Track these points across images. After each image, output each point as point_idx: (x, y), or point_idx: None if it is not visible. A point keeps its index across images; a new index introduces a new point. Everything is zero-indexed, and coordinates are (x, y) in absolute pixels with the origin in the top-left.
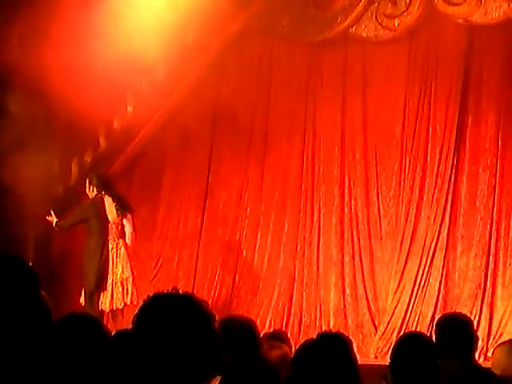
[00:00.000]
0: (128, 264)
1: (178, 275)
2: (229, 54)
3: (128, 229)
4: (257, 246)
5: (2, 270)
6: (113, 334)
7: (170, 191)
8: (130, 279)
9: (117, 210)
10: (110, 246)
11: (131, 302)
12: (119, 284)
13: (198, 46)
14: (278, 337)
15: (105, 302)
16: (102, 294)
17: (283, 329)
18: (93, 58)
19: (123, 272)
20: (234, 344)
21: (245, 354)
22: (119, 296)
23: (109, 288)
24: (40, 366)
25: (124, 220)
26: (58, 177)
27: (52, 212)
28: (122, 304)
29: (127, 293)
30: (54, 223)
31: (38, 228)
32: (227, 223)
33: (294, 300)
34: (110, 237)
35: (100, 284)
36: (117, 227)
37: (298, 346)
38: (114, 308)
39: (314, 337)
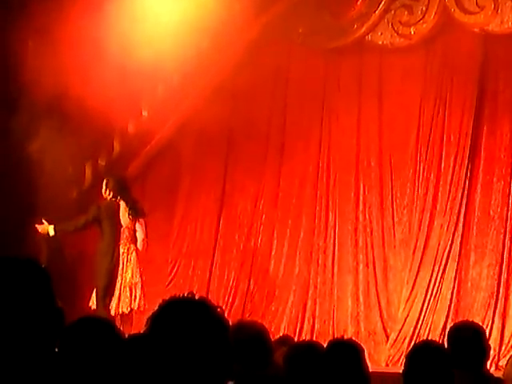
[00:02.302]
0: (138, 269)
1: (194, 281)
2: (245, 61)
3: (140, 234)
4: (272, 253)
5: (15, 272)
6: (127, 337)
7: (186, 197)
8: (139, 285)
9: (129, 214)
10: (122, 251)
11: (138, 307)
12: (128, 288)
13: (213, 52)
14: (286, 342)
15: (111, 306)
16: (110, 297)
17: (296, 335)
18: (108, 63)
19: (132, 277)
20: (245, 349)
21: (256, 360)
22: (126, 300)
23: (116, 292)
24: (53, 368)
25: (136, 225)
26: (72, 180)
27: (43, 220)
28: (129, 309)
29: (135, 298)
30: (53, 228)
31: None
32: (243, 230)
33: (307, 307)
34: (122, 241)
35: (110, 287)
36: (129, 232)
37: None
38: (120, 312)
39: (326, 344)
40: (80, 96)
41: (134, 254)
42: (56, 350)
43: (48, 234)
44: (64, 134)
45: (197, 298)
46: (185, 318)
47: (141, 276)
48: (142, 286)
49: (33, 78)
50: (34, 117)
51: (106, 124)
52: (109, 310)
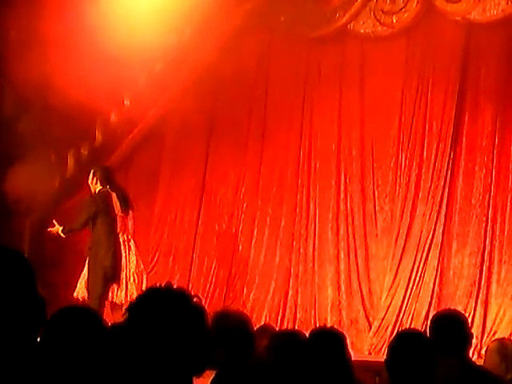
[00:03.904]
0: (139, 257)
1: (174, 269)
2: (227, 49)
3: (129, 221)
4: (253, 241)
5: None
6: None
7: (167, 185)
8: (145, 272)
9: (121, 206)
10: (121, 240)
11: None
12: (135, 276)
13: (196, 40)
14: (266, 331)
15: (119, 295)
16: (116, 287)
17: (278, 324)
18: (90, 52)
19: (138, 265)
20: (228, 338)
21: (239, 349)
22: (134, 288)
23: (123, 281)
24: (36, 358)
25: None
26: (54, 169)
27: (54, 222)
28: None
29: (143, 286)
30: (61, 231)
31: (34, 219)
32: (224, 217)
33: (289, 295)
34: (118, 230)
35: (114, 277)
36: (122, 221)
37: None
38: (130, 300)
39: (308, 332)
40: (62, 85)
41: (132, 241)
42: (38, 339)
43: (59, 235)
44: (46, 123)
45: (175, 287)
46: (162, 308)
47: (142, 262)
48: (147, 272)
49: (15, 68)
50: (16, 107)
51: (89, 113)
52: (105, 300)
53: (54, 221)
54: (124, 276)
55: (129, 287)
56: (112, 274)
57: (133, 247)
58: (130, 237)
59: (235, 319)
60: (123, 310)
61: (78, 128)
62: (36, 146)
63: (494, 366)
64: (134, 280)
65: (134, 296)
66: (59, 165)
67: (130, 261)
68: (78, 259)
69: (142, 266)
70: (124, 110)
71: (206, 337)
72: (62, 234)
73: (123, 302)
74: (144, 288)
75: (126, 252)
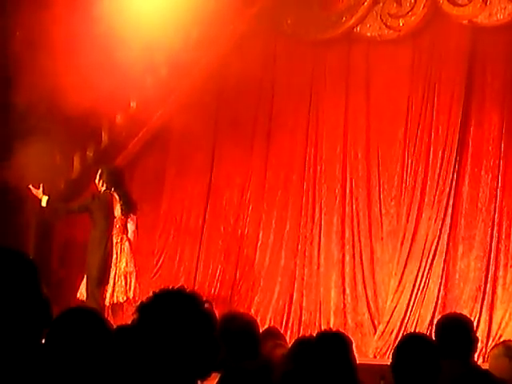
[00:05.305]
0: (132, 259)
1: (180, 272)
2: (233, 52)
3: (131, 226)
4: (258, 244)
5: (1, 263)
6: (115, 328)
7: (173, 188)
8: (134, 274)
9: (122, 209)
10: (115, 240)
11: (133, 296)
12: (122, 278)
13: (202, 42)
14: (272, 334)
15: (105, 296)
16: (105, 288)
17: (283, 327)
18: (97, 54)
19: (127, 266)
20: (234, 340)
21: (245, 351)
22: (121, 290)
23: (111, 281)
24: (40, 360)
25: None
26: (60, 170)
27: (41, 185)
28: (124, 298)
29: (130, 287)
30: (46, 200)
31: (40, 219)
32: (229, 221)
33: (294, 298)
34: (115, 231)
35: (103, 277)
36: (121, 222)
37: (293, 342)
38: (115, 301)
39: (314, 335)
40: (68, 86)
41: (126, 243)
42: (43, 341)
43: (40, 202)
44: (52, 125)
45: (187, 291)
46: (173, 310)
47: (135, 265)
48: (136, 275)
49: (21, 69)
50: (23, 108)
51: (95, 115)
52: (100, 300)
53: (41, 184)
54: (112, 276)
55: (116, 288)
56: (98, 275)
57: (126, 249)
58: (125, 239)
59: (242, 322)
60: (124, 312)
61: (84, 130)
62: (42, 146)
63: (501, 369)
64: (121, 282)
65: (121, 296)
66: (65, 166)
67: (120, 262)
68: (84, 258)
69: (132, 268)
70: (130, 112)
71: (214, 342)
72: (43, 202)
73: (108, 302)
74: (132, 290)
75: (117, 253)
